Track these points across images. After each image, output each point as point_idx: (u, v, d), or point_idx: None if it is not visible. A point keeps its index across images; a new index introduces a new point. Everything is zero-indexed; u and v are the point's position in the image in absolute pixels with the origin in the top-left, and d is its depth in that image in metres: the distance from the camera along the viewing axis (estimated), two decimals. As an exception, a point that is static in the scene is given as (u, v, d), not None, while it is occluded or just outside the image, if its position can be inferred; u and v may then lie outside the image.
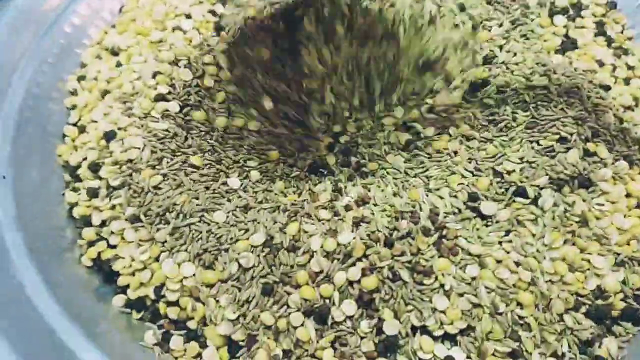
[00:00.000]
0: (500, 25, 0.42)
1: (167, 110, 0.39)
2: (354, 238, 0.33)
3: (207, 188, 0.35)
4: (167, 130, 0.38)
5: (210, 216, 0.34)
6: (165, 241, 0.34)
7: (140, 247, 0.34)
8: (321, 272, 0.32)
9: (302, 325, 0.31)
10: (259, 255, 0.33)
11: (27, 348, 0.30)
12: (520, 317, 0.31)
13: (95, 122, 0.40)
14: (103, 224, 0.36)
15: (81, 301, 0.34)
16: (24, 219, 0.36)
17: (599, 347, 0.31)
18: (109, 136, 0.38)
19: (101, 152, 0.38)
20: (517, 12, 0.43)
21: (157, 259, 0.34)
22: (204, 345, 0.32)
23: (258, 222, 0.34)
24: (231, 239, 0.33)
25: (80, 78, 0.43)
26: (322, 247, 0.32)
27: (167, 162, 0.36)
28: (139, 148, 0.37)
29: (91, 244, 0.36)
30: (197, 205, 0.34)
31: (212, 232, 0.33)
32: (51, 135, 0.41)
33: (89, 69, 0.43)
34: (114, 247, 0.35)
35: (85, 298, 0.34)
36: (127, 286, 0.34)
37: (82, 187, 0.38)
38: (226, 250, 0.33)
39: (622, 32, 0.44)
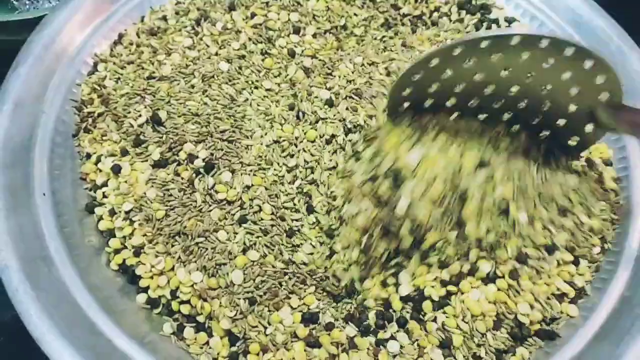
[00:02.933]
0: None
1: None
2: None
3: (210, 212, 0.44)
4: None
5: (214, 236, 0.43)
6: (178, 255, 0.43)
7: (158, 257, 0.43)
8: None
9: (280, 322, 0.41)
10: (245, 272, 0.42)
11: (74, 337, 0.39)
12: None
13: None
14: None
15: (112, 299, 0.43)
16: (63, 230, 0.45)
17: (513, 355, 0.42)
18: (115, 170, 0.46)
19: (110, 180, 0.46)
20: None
21: (172, 268, 0.43)
22: (210, 335, 0.41)
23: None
24: (230, 253, 0.43)
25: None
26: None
27: (174, 199, 0.45)
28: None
29: (117, 251, 0.45)
30: (202, 227, 0.43)
31: (215, 249, 0.43)
32: (80, 155, 0.49)
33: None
34: (137, 255, 0.44)
35: (115, 296, 0.44)
36: (148, 287, 0.44)
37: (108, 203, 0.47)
38: (225, 264, 0.42)
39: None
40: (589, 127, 0.42)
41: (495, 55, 0.38)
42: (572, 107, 0.41)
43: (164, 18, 0.54)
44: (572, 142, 0.44)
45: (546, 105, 0.41)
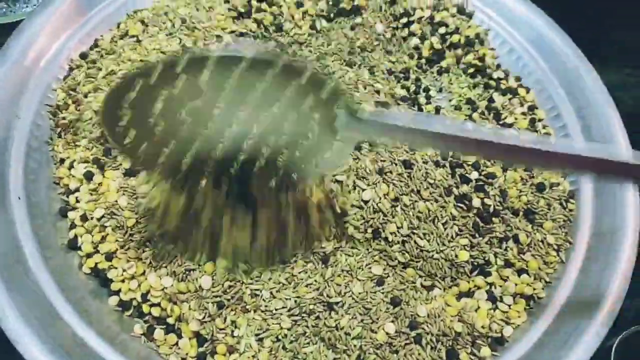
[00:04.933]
0: None
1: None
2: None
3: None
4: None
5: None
6: (149, 261, 0.45)
7: (129, 262, 0.45)
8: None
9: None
10: (213, 278, 0.44)
11: (51, 339, 0.41)
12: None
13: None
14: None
15: (85, 300, 0.45)
16: (38, 233, 0.46)
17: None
18: (87, 176, 0.48)
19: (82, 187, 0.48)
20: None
21: (143, 273, 0.45)
22: (179, 336, 0.43)
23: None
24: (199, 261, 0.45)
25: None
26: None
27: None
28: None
29: (89, 255, 0.46)
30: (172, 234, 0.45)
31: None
32: (53, 161, 0.51)
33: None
34: (109, 259, 0.46)
35: (87, 297, 0.45)
36: (119, 290, 0.45)
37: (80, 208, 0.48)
38: (194, 270, 0.44)
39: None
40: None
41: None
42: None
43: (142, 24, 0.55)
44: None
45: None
